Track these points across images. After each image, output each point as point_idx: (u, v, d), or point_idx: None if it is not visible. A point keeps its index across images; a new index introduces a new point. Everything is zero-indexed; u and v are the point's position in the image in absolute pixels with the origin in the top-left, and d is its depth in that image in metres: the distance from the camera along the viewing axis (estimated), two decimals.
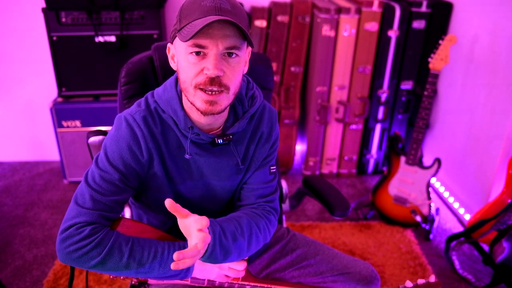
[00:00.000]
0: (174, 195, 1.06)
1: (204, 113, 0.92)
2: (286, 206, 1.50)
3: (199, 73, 0.89)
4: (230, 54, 0.89)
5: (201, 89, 0.89)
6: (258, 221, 1.03)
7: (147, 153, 0.96)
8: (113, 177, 0.93)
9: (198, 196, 1.08)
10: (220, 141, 0.99)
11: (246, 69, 0.98)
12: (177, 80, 0.99)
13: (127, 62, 1.27)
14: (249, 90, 1.06)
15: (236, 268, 1.03)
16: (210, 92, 0.89)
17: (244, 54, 0.94)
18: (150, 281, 1.08)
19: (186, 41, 0.85)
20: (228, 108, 0.99)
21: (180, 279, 0.97)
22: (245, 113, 1.03)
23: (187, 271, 0.95)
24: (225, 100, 0.92)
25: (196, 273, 1.01)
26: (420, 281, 1.08)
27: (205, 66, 0.87)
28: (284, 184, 1.52)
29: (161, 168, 1.00)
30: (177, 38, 0.91)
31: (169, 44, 0.97)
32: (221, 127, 1.03)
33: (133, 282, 1.11)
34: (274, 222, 1.09)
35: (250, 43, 0.91)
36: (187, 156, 1.00)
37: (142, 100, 1.02)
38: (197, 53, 0.88)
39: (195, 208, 1.09)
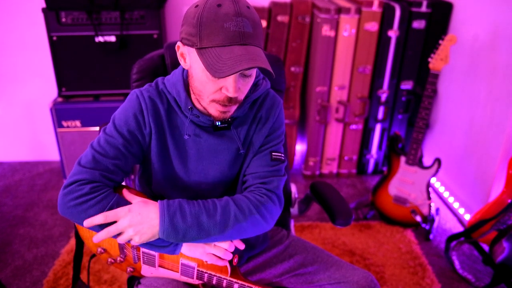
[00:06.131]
0: (167, 176, 1.08)
1: (216, 119, 0.99)
2: (294, 210, 1.47)
3: (217, 90, 0.92)
4: (246, 75, 0.93)
5: (217, 102, 0.94)
6: (242, 204, 0.98)
7: (148, 127, 1.01)
8: (117, 141, 0.98)
9: (194, 181, 1.09)
10: (218, 123, 1.02)
11: None
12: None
13: (139, 59, 1.30)
14: None
15: (222, 246, 1.00)
16: (225, 105, 0.94)
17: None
18: (143, 271, 1.09)
19: (213, 77, 0.87)
20: None
21: (169, 253, 0.99)
22: (247, 98, 1.04)
23: (176, 246, 0.98)
24: (235, 107, 0.99)
25: (184, 249, 1.00)
26: None
27: (224, 85, 0.91)
28: (293, 188, 1.50)
29: (158, 146, 1.04)
30: (193, 49, 0.90)
31: (179, 43, 0.95)
32: None
33: (128, 270, 1.11)
34: (269, 206, 1.02)
35: (269, 74, 0.91)
36: (185, 137, 1.03)
37: (154, 81, 1.08)
38: None
39: (190, 192, 1.10)
